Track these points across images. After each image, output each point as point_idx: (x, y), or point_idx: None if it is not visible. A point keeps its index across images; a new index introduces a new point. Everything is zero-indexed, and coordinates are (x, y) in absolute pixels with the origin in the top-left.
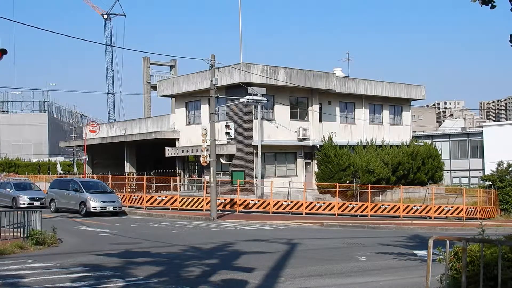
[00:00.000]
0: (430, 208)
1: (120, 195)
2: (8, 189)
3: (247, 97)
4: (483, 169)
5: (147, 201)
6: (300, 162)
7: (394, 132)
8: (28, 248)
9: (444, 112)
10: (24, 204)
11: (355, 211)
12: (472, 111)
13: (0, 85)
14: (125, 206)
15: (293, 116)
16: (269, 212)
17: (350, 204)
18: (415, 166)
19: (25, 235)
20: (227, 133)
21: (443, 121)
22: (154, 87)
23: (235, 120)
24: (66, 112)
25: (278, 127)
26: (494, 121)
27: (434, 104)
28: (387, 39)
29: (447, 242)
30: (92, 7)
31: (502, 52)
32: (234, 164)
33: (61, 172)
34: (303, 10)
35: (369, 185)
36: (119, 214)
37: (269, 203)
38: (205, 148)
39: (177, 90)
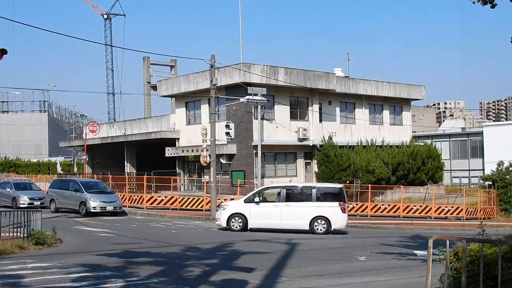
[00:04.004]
0: (430, 208)
1: (120, 195)
2: (8, 189)
3: (247, 97)
4: (483, 169)
5: (147, 201)
6: (300, 162)
7: (394, 132)
8: (28, 248)
9: (444, 112)
10: (24, 204)
11: (355, 211)
12: (472, 111)
13: (0, 85)
14: (125, 206)
15: (293, 116)
16: None
17: (350, 204)
18: (415, 166)
19: (25, 235)
20: (227, 133)
21: (443, 121)
22: (154, 87)
23: (235, 120)
24: (66, 112)
25: (278, 127)
26: (494, 121)
27: (434, 104)
28: (387, 39)
29: (447, 242)
30: (92, 7)
31: (502, 52)
32: (234, 164)
33: (61, 172)
34: (303, 10)
35: (369, 185)
36: (119, 214)
37: None
38: (205, 148)
39: (177, 90)
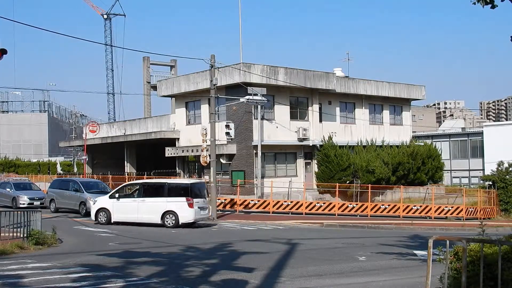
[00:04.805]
0: (430, 208)
1: None
2: (8, 189)
3: (247, 97)
4: (483, 169)
5: None
6: (300, 162)
7: (394, 132)
8: (28, 248)
9: (444, 112)
10: (24, 204)
11: (355, 211)
12: (472, 111)
13: (0, 85)
14: None
15: (293, 116)
16: (269, 212)
17: (350, 204)
18: (415, 166)
19: (25, 235)
20: (227, 133)
21: (443, 121)
22: (154, 87)
23: (235, 120)
24: (66, 112)
25: (278, 127)
26: (494, 121)
27: (434, 104)
28: (387, 39)
29: (447, 242)
30: (92, 7)
31: (502, 52)
32: (234, 164)
33: (61, 172)
34: (303, 10)
35: (369, 185)
36: None
37: (269, 203)
38: (205, 148)
39: (177, 90)
